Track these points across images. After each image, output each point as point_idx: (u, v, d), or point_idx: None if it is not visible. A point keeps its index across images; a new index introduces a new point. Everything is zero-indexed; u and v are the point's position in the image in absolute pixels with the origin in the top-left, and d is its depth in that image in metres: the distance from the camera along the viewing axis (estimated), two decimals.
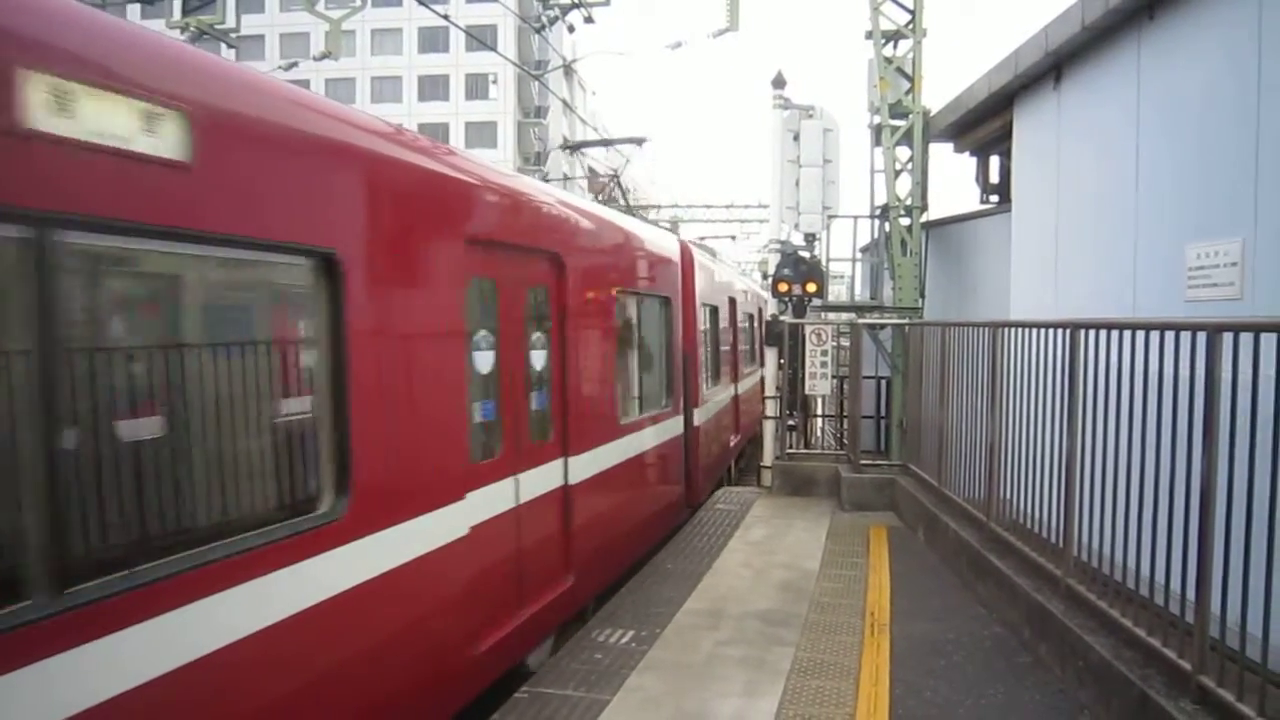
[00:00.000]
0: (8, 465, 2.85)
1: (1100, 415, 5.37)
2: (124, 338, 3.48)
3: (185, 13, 14.20)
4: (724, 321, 14.55)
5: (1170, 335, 4.66)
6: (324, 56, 16.52)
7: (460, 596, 5.28)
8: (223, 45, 14.14)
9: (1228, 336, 4.20)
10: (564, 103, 30.02)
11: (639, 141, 16.15)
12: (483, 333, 5.73)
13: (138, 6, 15.04)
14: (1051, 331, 6.14)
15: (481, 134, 63.74)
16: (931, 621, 6.91)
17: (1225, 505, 4.15)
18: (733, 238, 46.83)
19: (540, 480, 6.49)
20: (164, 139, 3.25)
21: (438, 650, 5.07)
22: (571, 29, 17.35)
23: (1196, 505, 4.35)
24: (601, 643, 6.52)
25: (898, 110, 12.96)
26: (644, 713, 5.38)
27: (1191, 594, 4.40)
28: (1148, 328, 4.90)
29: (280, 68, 21.34)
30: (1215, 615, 4.25)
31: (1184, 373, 4.49)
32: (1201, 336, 4.36)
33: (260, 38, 58.10)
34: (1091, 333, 5.53)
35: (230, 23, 14.27)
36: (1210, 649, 4.29)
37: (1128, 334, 5.07)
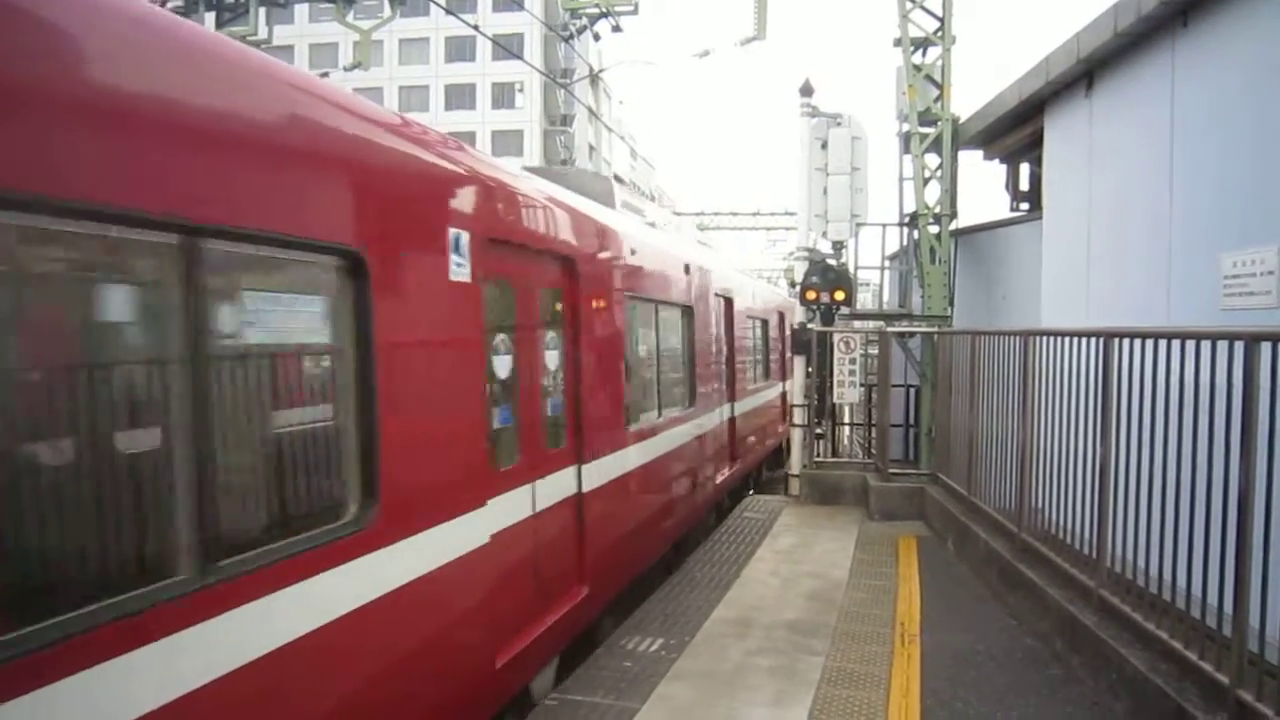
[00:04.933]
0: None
1: (1134, 425, 5.32)
2: None
3: (218, 25, 14.41)
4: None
5: (1206, 344, 4.61)
6: (354, 67, 16.69)
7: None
8: None
9: (1266, 346, 4.15)
10: (590, 111, 30.16)
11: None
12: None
13: None
14: (1085, 340, 6.09)
15: (508, 142, 64.06)
16: (962, 632, 6.86)
17: (1264, 516, 4.10)
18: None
19: None
20: None
21: None
22: (597, 37, 17.46)
23: (1234, 516, 4.29)
24: (630, 650, 6.52)
25: (927, 117, 12.91)
26: None
27: (1229, 606, 4.34)
28: (1183, 337, 4.85)
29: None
30: (1254, 628, 4.20)
31: (1220, 382, 4.44)
32: (1239, 345, 4.32)
33: (290, 48, 58.73)
34: (1126, 341, 5.48)
35: (262, 34, 14.47)
36: (1249, 662, 4.24)
37: (1163, 343, 5.03)
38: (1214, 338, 4.58)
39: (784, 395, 17.63)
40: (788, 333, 17.87)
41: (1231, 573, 4.31)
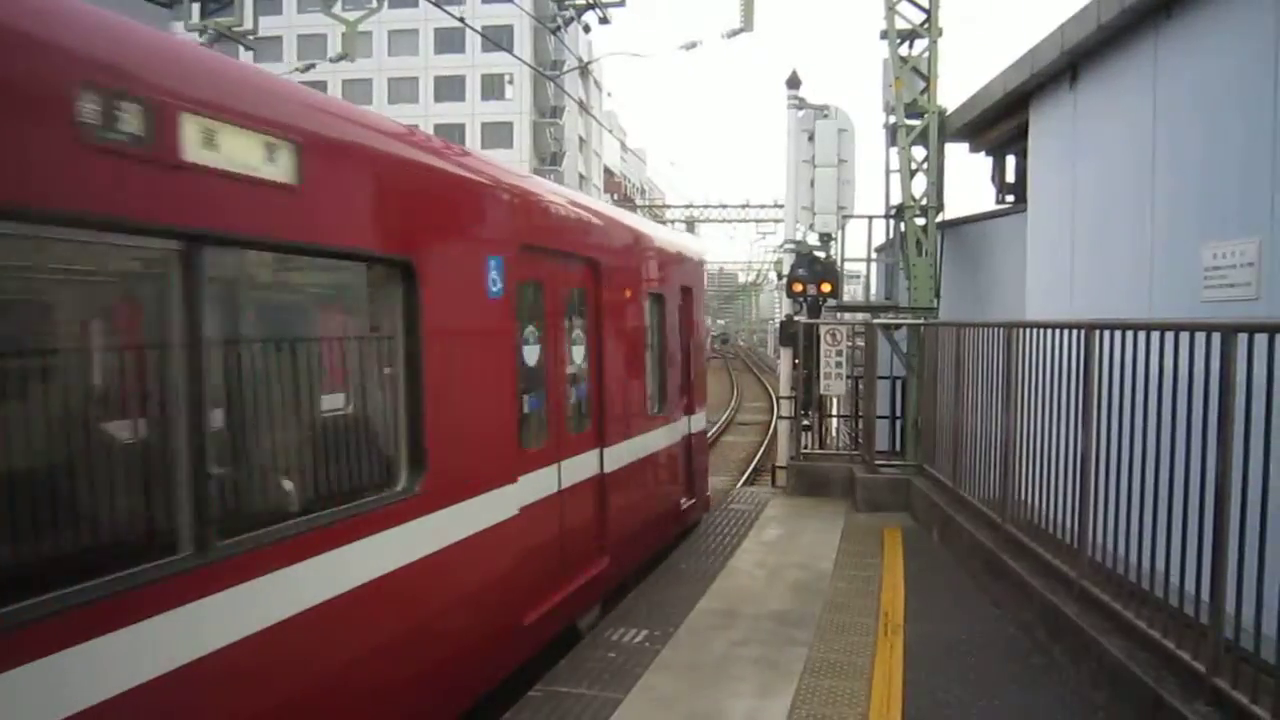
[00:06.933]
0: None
1: (1115, 416, 5.35)
2: None
3: (203, 15, 14.31)
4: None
5: (1185, 336, 4.64)
6: (341, 58, 16.62)
7: None
8: (240, 47, 14.26)
9: (1243, 337, 4.19)
10: (579, 103, 30.13)
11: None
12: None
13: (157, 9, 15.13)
14: (1067, 332, 6.13)
15: (497, 134, 63.93)
16: (945, 622, 6.91)
17: (1240, 506, 4.14)
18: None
19: None
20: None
21: None
22: (587, 29, 17.40)
23: (1211, 506, 4.33)
24: (615, 641, 6.55)
25: (913, 110, 12.91)
26: (657, 712, 5.40)
27: (1206, 595, 4.38)
28: (1163, 328, 4.88)
29: (297, 69, 21.51)
30: (1230, 616, 4.24)
31: (1199, 373, 4.47)
32: (1216, 337, 4.35)
33: (278, 39, 58.46)
34: (1107, 333, 5.51)
35: (248, 25, 14.36)
36: (1225, 650, 4.28)
37: (1143, 334, 5.06)
38: (1192, 329, 4.61)
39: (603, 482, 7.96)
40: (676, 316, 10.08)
41: (1209, 561, 4.35)
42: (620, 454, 8.01)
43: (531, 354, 6.50)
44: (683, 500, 10.22)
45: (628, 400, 8.48)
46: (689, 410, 10.56)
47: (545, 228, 6.89)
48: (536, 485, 6.39)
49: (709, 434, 27.40)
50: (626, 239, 8.76)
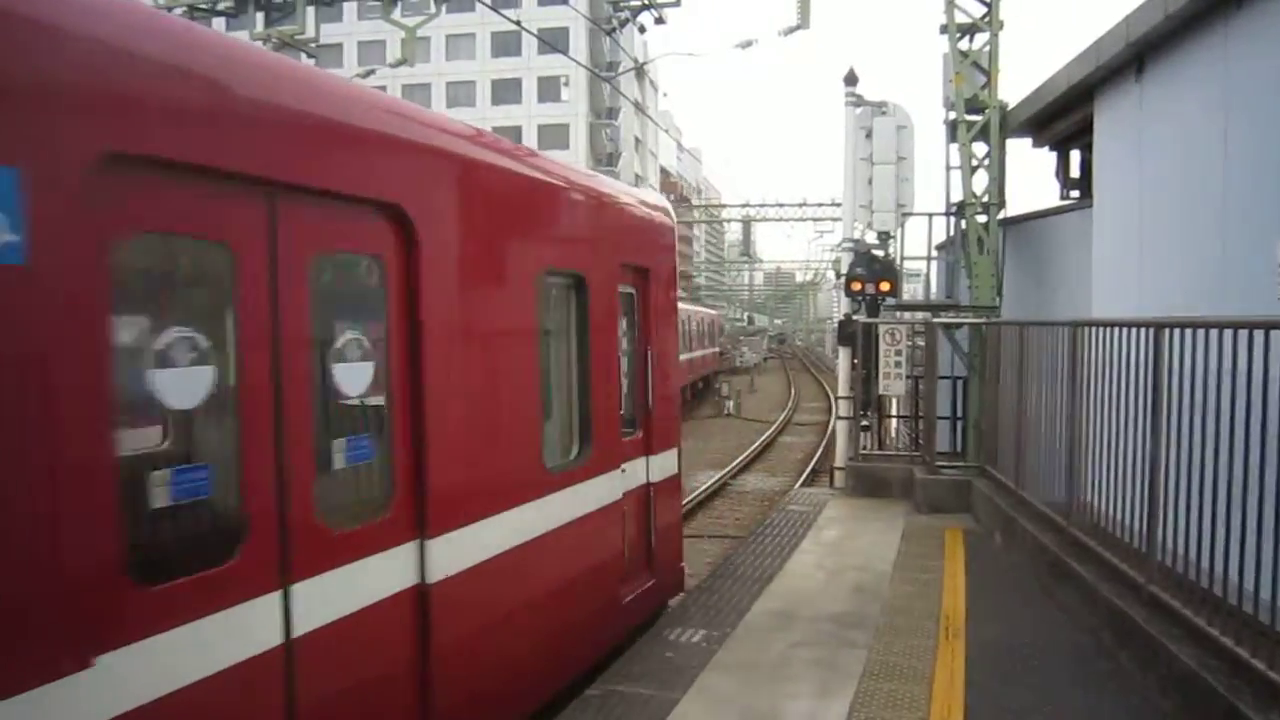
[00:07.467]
0: None
1: (1185, 416, 5.21)
2: None
3: (267, 24, 14.65)
4: None
5: (1260, 334, 4.50)
6: (400, 63, 16.87)
7: None
8: (303, 55, 14.57)
9: None
10: (635, 104, 30.21)
11: None
12: None
13: (221, 19, 15.55)
14: (1135, 330, 5.98)
15: (554, 136, 64.36)
16: (1008, 626, 6.79)
17: None
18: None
19: None
20: None
21: None
22: (642, 29, 17.46)
23: None
24: (672, 641, 6.55)
25: (974, 105, 12.68)
26: (714, 711, 5.39)
27: None
28: (1235, 326, 4.74)
29: (359, 75, 21.91)
30: None
31: (1275, 372, 4.34)
32: None
33: (339, 46, 59.53)
34: (1177, 332, 5.37)
35: (310, 33, 14.69)
36: None
37: (1214, 332, 4.92)
38: (1267, 327, 4.47)
39: None
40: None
41: None
42: (472, 544, 4.83)
43: (180, 385, 3.38)
44: (625, 591, 6.90)
45: (492, 452, 5.15)
46: (646, 450, 7.42)
47: (225, 131, 3.49)
48: (191, 654, 3.26)
49: (770, 435, 27.38)
50: (501, 183, 5.40)
